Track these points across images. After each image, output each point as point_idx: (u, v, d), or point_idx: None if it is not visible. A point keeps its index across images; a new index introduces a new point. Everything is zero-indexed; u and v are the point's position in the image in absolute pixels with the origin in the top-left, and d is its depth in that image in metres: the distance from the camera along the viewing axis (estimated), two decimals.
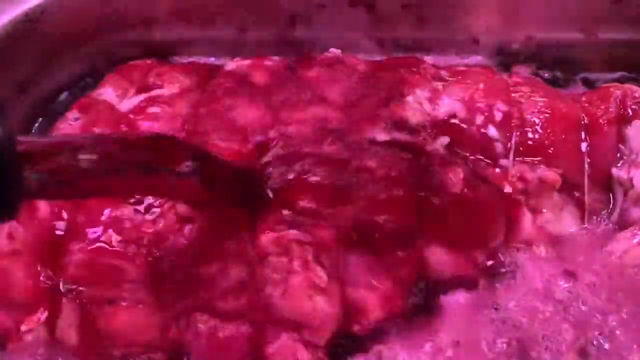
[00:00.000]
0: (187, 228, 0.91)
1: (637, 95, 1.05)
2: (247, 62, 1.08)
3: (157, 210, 0.93)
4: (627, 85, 1.08)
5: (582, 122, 1.06)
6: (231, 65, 1.09)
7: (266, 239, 0.88)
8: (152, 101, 1.06)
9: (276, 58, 1.12)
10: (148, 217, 0.92)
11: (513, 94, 1.06)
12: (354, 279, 0.93)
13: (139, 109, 1.05)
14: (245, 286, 0.89)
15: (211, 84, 1.08)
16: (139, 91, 1.09)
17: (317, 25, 1.20)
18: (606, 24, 1.27)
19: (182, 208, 0.91)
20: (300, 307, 0.88)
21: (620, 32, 1.27)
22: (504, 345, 0.88)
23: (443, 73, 1.10)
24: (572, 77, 1.30)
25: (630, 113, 1.05)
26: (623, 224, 1.02)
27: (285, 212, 0.89)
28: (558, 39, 1.30)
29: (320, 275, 0.89)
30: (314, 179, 0.92)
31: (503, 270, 0.98)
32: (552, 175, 1.02)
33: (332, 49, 1.10)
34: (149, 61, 1.16)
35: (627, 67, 1.29)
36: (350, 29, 1.21)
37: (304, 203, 0.90)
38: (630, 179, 1.01)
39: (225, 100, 1.04)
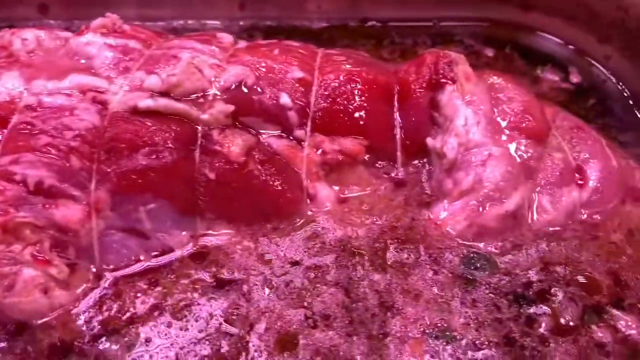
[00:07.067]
0: None
1: (448, 59, 0.97)
2: None
3: None
4: (440, 51, 1.00)
5: (395, 91, 0.97)
6: None
7: None
8: None
9: None
10: None
11: (320, 63, 0.97)
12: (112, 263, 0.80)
13: None
14: None
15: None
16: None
17: None
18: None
19: None
20: (31, 304, 0.73)
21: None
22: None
23: (242, 44, 1.00)
24: None
25: (443, 78, 0.96)
26: (439, 194, 0.92)
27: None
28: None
29: (59, 266, 0.75)
30: (55, 152, 0.78)
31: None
32: (354, 146, 0.91)
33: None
34: None
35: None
36: None
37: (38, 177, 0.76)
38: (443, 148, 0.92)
39: None
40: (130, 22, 1.00)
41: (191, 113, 0.85)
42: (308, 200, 0.89)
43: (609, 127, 1.10)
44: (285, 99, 0.90)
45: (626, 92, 1.16)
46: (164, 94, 0.85)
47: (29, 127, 0.80)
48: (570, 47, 1.24)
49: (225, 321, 0.77)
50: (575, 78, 1.20)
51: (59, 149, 0.79)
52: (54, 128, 0.80)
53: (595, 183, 0.95)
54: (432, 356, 0.76)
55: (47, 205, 0.76)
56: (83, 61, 0.90)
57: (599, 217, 0.94)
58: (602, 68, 1.20)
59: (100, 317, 0.76)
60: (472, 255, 0.87)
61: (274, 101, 0.90)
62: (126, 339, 0.74)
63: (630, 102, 1.14)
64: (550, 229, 0.91)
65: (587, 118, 1.11)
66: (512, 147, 0.92)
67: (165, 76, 0.86)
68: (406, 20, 1.28)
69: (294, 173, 0.88)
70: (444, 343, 0.77)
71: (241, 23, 1.25)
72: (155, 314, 0.77)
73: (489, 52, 1.25)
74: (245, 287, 0.81)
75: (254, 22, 1.25)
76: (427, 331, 0.78)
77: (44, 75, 0.86)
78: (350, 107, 0.93)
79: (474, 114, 0.93)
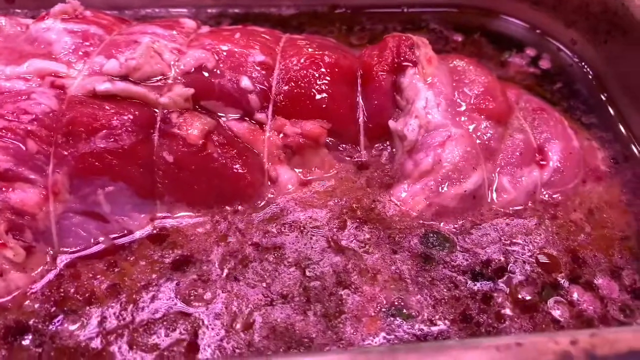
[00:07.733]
0: None
1: (409, 42, 0.97)
2: None
3: None
4: (402, 34, 1.00)
5: (358, 75, 0.97)
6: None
7: None
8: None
9: None
10: None
11: (282, 47, 0.97)
12: (70, 246, 0.81)
13: None
14: None
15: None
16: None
17: None
18: None
19: None
20: None
21: None
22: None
23: (205, 29, 1.00)
24: None
25: (404, 61, 0.96)
26: (401, 176, 0.93)
27: None
28: None
29: (15, 248, 0.75)
30: (12, 136, 0.78)
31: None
32: (316, 129, 0.92)
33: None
34: None
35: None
36: None
37: None
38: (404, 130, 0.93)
39: None
40: (95, 10, 1.00)
41: (149, 96, 0.85)
42: (269, 183, 0.90)
43: (574, 109, 1.11)
44: (246, 82, 0.90)
45: (590, 75, 1.17)
46: (123, 77, 0.85)
47: None
48: (538, 31, 1.25)
49: (182, 301, 0.77)
50: (542, 62, 1.21)
51: (15, 133, 0.79)
52: (10, 112, 0.80)
53: (556, 163, 0.95)
54: (387, 333, 0.76)
55: (2, 189, 0.76)
56: (43, 47, 0.90)
57: (559, 197, 0.95)
58: (568, 52, 1.21)
59: (56, 298, 0.76)
60: (431, 234, 0.87)
61: (235, 84, 0.90)
62: (83, 319, 0.75)
63: (595, 85, 1.15)
64: (511, 208, 0.92)
65: (553, 101, 1.12)
66: (472, 128, 0.93)
67: (124, 60, 0.86)
68: (375, 6, 1.28)
69: (255, 156, 0.89)
70: (400, 320, 0.78)
71: (209, 11, 1.25)
72: (113, 294, 0.77)
73: (458, 38, 1.26)
74: (203, 268, 0.81)
75: (222, 9, 1.25)
76: (384, 309, 0.79)
77: (2, 60, 0.86)
78: (313, 90, 0.93)
79: (435, 96, 0.94)
